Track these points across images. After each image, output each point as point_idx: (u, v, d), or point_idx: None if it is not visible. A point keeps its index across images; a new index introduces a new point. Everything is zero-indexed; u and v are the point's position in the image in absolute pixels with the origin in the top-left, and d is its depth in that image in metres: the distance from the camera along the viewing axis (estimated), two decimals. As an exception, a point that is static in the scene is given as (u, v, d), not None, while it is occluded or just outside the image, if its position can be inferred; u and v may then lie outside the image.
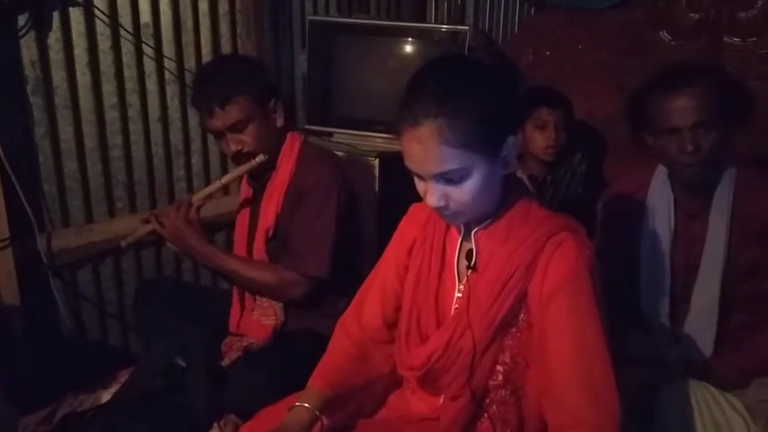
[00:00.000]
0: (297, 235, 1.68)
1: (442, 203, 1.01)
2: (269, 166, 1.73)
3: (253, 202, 1.83)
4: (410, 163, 1.02)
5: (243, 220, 1.86)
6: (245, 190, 1.87)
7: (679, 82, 1.42)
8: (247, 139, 1.66)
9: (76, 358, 1.99)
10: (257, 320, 1.76)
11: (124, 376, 1.78)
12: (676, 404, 1.33)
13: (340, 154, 2.13)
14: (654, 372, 1.48)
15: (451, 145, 0.96)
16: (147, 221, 1.73)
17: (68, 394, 1.80)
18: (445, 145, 0.96)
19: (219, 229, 2.28)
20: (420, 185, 1.05)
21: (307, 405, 1.13)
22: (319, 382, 1.19)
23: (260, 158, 1.68)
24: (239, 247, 1.85)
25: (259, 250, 1.75)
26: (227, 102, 1.62)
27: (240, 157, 1.70)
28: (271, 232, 1.73)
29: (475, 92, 0.99)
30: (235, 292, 1.84)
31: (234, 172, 1.76)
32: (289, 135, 1.76)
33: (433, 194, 1.01)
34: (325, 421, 1.15)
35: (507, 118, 1.02)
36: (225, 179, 1.78)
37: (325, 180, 1.68)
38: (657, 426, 1.34)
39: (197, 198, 1.74)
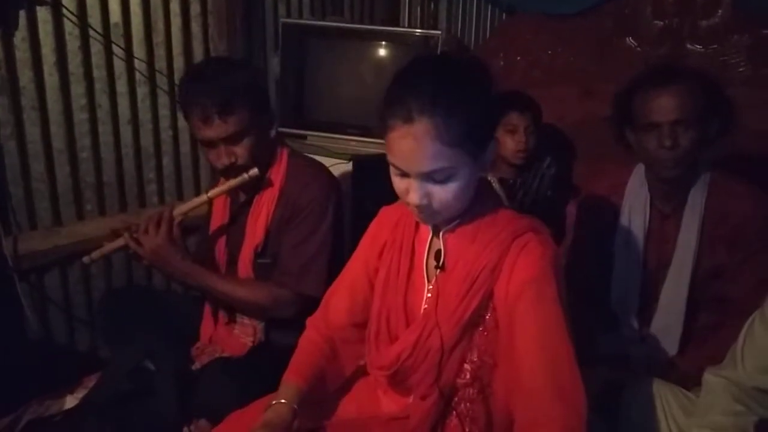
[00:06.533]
0: (292, 254, 1.61)
1: (424, 201, 1.01)
2: (259, 180, 1.62)
3: (236, 216, 1.73)
4: (398, 161, 1.00)
5: (220, 233, 1.75)
6: (220, 202, 1.75)
7: (665, 79, 1.45)
8: (241, 151, 1.54)
9: (43, 363, 1.95)
10: (237, 337, 1.69)
11: (91, 381, 1.74)
12: (640, 403, 1.36)
13: (313, 156, 2.11)
14: (619, 371, 1.51)
15: (445, 143, 0.96)
16: (118, 235, 1.58)
17: (33, 400, 1.76)
18: (439, 143, 0.96)
19: (192, 231, 2.12)
20: (401, 183, 1.03)
21: (284, 401, 1.14)
22: (293, 376, 1.20)
23: (253, 172, 1.57)
24: (218, 262, 1.75)
25: (246, 267, 1.65)
26: (228, 111, 1.48)
27: (229, 170, 1.57)
28: (260, 249, 1.64)
29: (469, 91, 1.00)
30: (207, 304, 1.76)
31: (224, 186, 1.61)
32: (278, 147, 1.68)
33: (416, 192, 1.01)
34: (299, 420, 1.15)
35: (492, 119, 1.05)
36: (212, 193, 1.62)
37: (321, 197, 1.61)
38: (622, 424, 1.37)
39: (179, 212, 1.59)
